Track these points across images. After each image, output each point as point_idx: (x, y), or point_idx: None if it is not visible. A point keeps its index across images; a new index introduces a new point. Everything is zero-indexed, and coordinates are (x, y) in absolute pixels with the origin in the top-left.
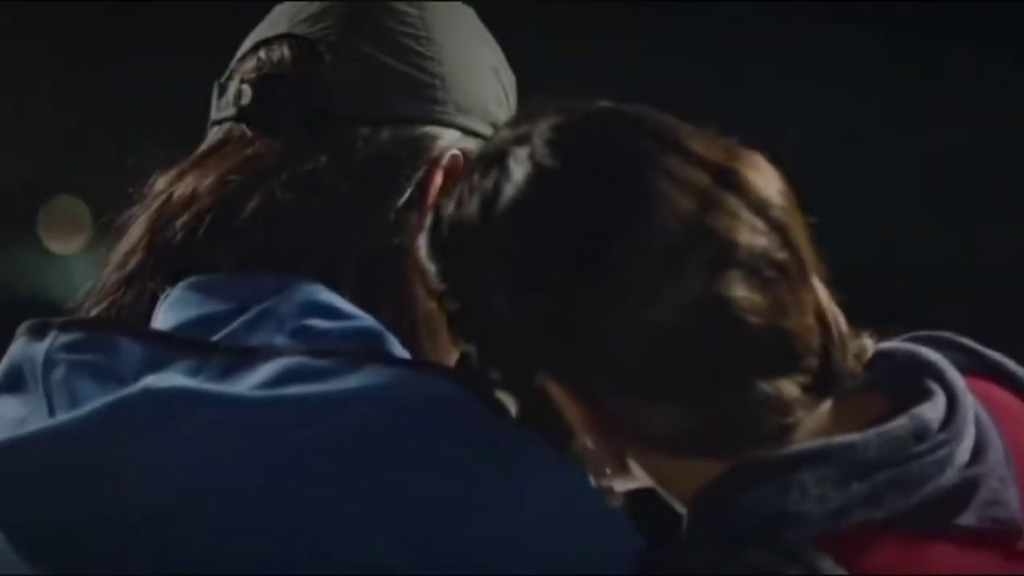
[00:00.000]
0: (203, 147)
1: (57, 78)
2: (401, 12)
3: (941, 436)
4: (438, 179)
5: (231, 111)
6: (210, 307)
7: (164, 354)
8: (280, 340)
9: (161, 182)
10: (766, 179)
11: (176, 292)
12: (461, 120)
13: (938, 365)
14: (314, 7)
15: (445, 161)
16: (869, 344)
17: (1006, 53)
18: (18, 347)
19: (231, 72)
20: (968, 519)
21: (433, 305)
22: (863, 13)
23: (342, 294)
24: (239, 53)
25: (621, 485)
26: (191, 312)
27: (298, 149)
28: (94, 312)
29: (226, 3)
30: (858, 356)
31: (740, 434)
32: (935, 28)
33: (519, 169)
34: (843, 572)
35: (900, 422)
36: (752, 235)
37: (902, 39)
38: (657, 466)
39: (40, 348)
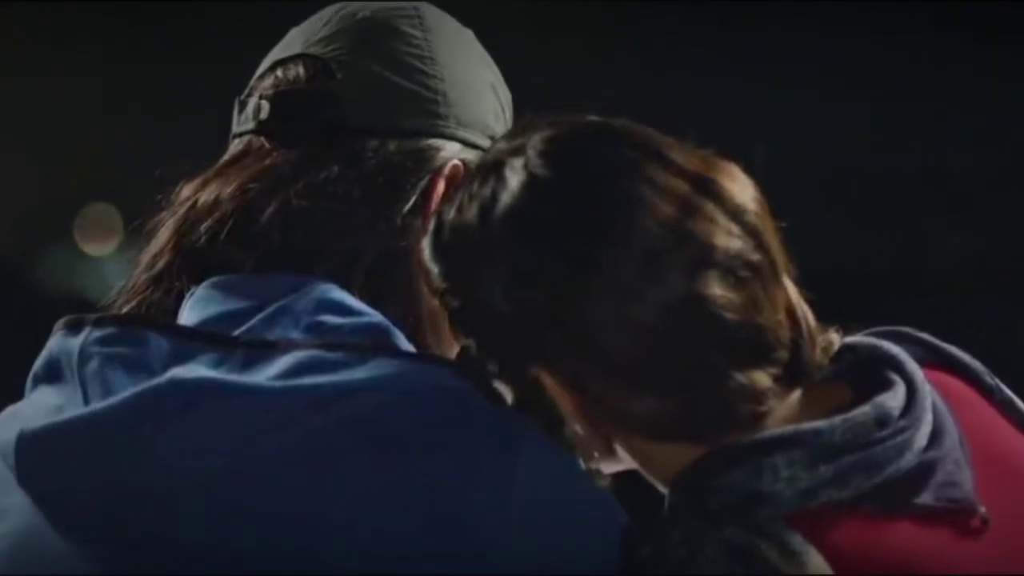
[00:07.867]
0: (225, 158)
1: (90, 96)
2: (407, 34)
3: (901, 423)
4: (440, 187)
5: (251, 125)
6: (232, 304)
7: (189, 347)
8: (296, 335)
9: (187, 190)
10: (740, 187)
11: (200, 291)
12: (461, 133)
13: (898, 358)
14: (327, 30)
15: (447, 171)
16: (835, 338)
17: (952, 72)
18: (55, 341)
19: (250, 89)
20: (926, 499)
21: (436, 303)
22: (815, 28)
23: (353, 292)
24: (258, 72)
25: (608, 467)
26: (214, 309)
27: (312, 159)
28: (125, 309)
29: (244, 25)
30: (825, 349)
31: (717, 420)
32: (886, 42)
33: (514, 178)
34: (811, 547)
35: (863, 410)
36: (728, 238)
37: (858, 52)
38: (641, 450)
39: (76, 342)
